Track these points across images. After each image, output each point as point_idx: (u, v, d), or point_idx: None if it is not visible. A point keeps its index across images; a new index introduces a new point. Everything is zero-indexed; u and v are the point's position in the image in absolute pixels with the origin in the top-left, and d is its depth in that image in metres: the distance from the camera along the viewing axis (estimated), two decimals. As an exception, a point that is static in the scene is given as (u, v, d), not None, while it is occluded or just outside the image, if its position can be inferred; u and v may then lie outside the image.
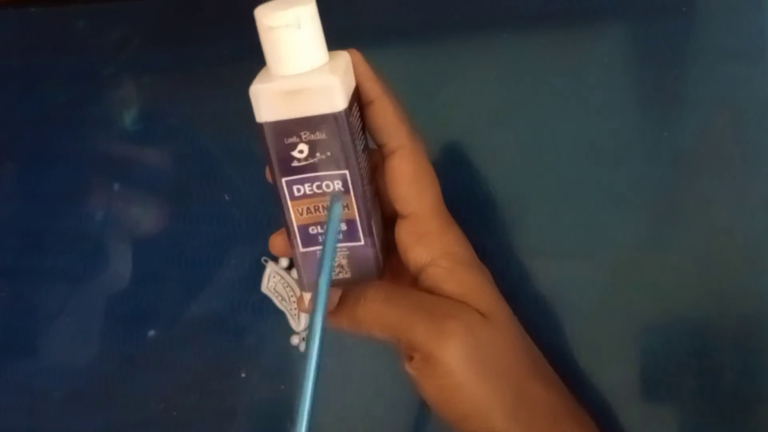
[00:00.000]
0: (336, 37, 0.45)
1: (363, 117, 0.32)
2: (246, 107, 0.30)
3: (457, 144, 0.42)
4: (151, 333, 0.47)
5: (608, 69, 0.39)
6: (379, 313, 0.32)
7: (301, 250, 0.33)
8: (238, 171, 0.46)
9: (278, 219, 0.33)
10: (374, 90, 0.33)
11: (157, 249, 0.47)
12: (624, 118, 0.39)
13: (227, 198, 0.46)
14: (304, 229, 0.32)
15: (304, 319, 0.41)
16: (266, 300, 0.44)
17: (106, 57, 0.50)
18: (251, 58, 0.30)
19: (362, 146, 0.32)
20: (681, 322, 0.37)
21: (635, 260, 0.38)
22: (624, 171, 0.39)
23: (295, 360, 0.44)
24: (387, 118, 0.33)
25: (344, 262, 0.33)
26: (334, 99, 0.29)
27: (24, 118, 0.52)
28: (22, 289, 0.50)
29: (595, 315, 0.38)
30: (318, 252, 0.32)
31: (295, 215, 0.32)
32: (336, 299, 0.34)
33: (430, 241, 0.34)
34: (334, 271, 0.33)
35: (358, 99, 0.32)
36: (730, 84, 0.37)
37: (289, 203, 0.32)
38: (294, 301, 0.42)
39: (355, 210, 0.32)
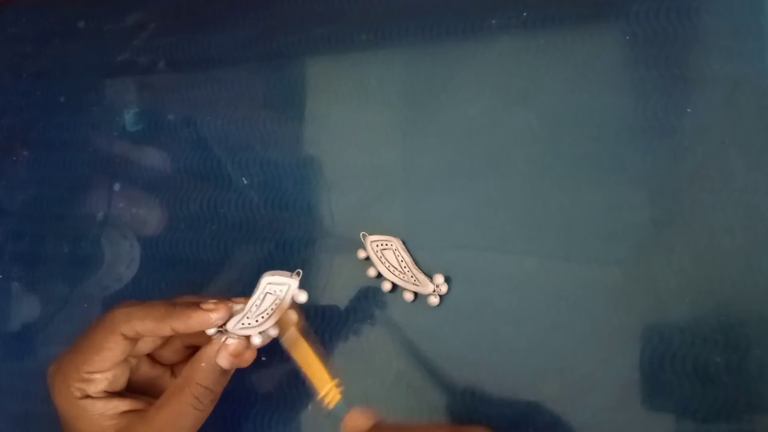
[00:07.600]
0: (337, 37, 0.46)
1: None
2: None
3: (456, 144, 0.43)
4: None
5: (608, 69, 0.39)
6: None
7: None
8: (256, 154, 0.47)
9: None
10: None
11: (178, 233, 0.49)
12: (623, 118, 0.39)
13: (245, 182, 0.47)
14: None
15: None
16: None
17: (120, 42, 0.52)
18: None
19: None
20: (680, 322, 0.37)
21: (636, 260, 0.38)
22: (624, 172, 0.39)
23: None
24: None
25: None
26: None
27: (38, 104, 0.54)
28: (38, 275, 0.52)
29: (595, 315, 0.38)
30: None
31: None
32: None
33: None
34: None
35: None
36: (730, 83, 0.37)
37: None
38: None
39: None
